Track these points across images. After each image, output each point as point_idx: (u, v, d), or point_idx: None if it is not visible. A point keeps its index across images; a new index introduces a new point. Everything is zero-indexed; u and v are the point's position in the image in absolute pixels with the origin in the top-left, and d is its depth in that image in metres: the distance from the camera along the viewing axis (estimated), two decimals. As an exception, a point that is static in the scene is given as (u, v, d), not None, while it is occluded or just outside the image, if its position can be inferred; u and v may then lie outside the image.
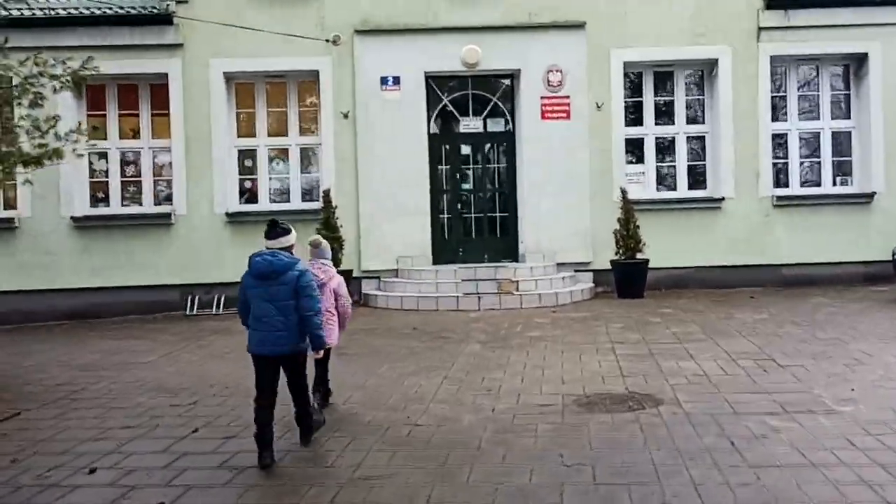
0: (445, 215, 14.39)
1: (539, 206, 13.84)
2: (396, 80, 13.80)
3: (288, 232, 5.60)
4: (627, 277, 13.24)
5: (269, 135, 14.29)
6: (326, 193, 13.46)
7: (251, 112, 14.23)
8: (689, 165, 14.47)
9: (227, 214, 13.71)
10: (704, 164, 14.45)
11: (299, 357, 5.58)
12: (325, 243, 6.73)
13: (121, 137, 14.09)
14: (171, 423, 6.44)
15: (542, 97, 13.88)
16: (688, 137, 14.47)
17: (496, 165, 14.61)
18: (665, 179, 14.57)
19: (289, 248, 5.57)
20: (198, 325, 12.12)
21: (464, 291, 12.75)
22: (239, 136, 14.17)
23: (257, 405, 5.41)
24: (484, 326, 10.81)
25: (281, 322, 5.35)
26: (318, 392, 6.58)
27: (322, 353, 5.84)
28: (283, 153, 14.35)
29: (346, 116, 13.77)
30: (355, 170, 13.81)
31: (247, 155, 14.23)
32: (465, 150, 14.57)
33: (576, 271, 13.79)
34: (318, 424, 5.93)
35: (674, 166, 14.48)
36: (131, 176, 14.13)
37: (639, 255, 13.22)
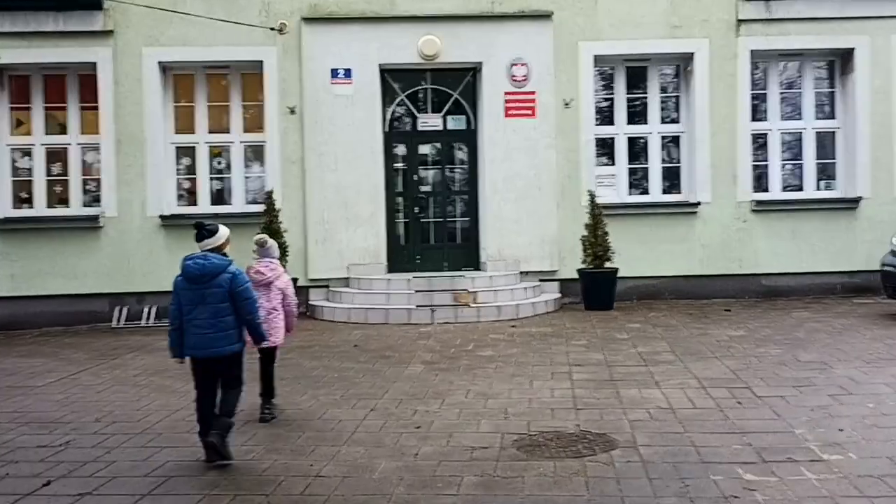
0: (402, 220, 13.32)
1: (502, 210, 12.80)
2: (348, 73, 12.72)
3: (215, 232, 5.50)
4: (595, 288, 12.24)
5: (210, 131, 13.10)
6: (269, 195, 12.34)
7: (190, 106, 13.04)
8: (663, 168, 13.47)
9: (162, 217, 12.56)
10: (679, 167, 13.44)
11: (233, 358, 5.46)
12: (271, 241, 6.77)
13: (47, 133, 12.90)
14: (27, 470, 5.33)
15: (505, 93, 12.84)
16: (662, 138, 13.47)
17: (457, 166, 13.56)
18: (638, 183, 13.57)
19: (219, 248, 5.49)
20: (120, 339, 10.97)
21: (416, 303, 11.68)
22: (176, 133, 12.97)
23: (197, 402, 5.46)
24: (433, 344, 9.76)
25: (214, 324, 5.29)
26: (267, 403, 6.54)
27: (263, 343, 5.89)
28: (224, 151, 13.22)
29: (292, 112, 12.68)
30: (302, 170, 12.71)
31: (185, 153, 13.07)
32: (424, 149, 13.47)
33: (541, 281, 12.78)
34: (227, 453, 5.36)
35: (647, 168, 13.47)
36: (58, 175, 12.93)
37: (608, 264, 12.22)
